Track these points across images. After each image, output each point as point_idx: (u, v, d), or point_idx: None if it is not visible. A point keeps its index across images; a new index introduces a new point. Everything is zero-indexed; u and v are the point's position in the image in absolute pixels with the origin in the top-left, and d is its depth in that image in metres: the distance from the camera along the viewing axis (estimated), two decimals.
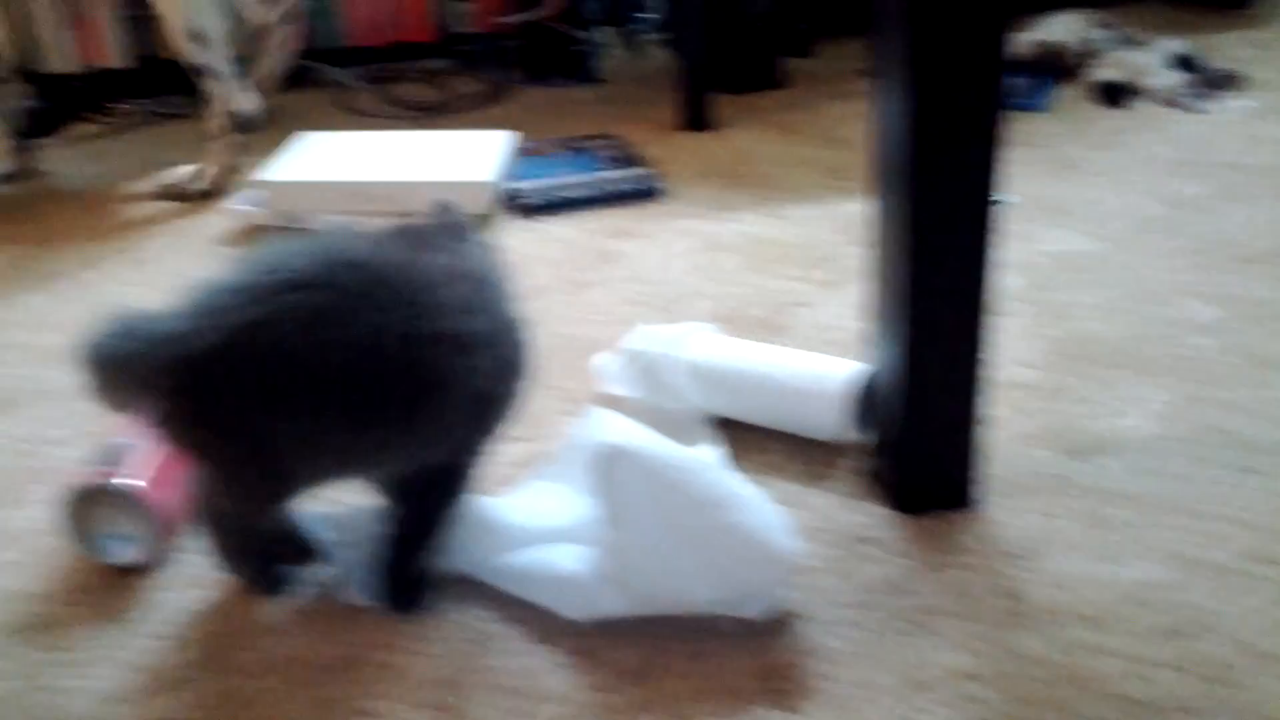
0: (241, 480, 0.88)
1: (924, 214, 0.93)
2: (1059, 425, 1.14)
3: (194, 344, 0.82)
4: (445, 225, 0.98)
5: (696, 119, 2.04)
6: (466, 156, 1.71)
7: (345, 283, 0.84)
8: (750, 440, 1.14)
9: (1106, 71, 2.10)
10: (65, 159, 2.04)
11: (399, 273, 0.87)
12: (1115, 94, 2.06)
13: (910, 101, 0.89)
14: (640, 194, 1.75)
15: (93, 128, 2.18)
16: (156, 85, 2.25)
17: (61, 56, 2.18)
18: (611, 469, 0.87)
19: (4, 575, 1.01)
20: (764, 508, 0.91)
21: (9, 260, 1.63)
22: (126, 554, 1.00)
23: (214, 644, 0.93)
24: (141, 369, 0.83)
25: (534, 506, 1.03)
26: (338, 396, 0.83)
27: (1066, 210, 1.63)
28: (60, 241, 1.69)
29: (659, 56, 2.45)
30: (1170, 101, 2.03)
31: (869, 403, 1.09)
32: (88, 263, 1.62)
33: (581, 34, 2.37)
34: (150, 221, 1.75)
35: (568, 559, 0.93)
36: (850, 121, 2.00)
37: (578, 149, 1.92)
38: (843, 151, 1.89)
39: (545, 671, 0.88)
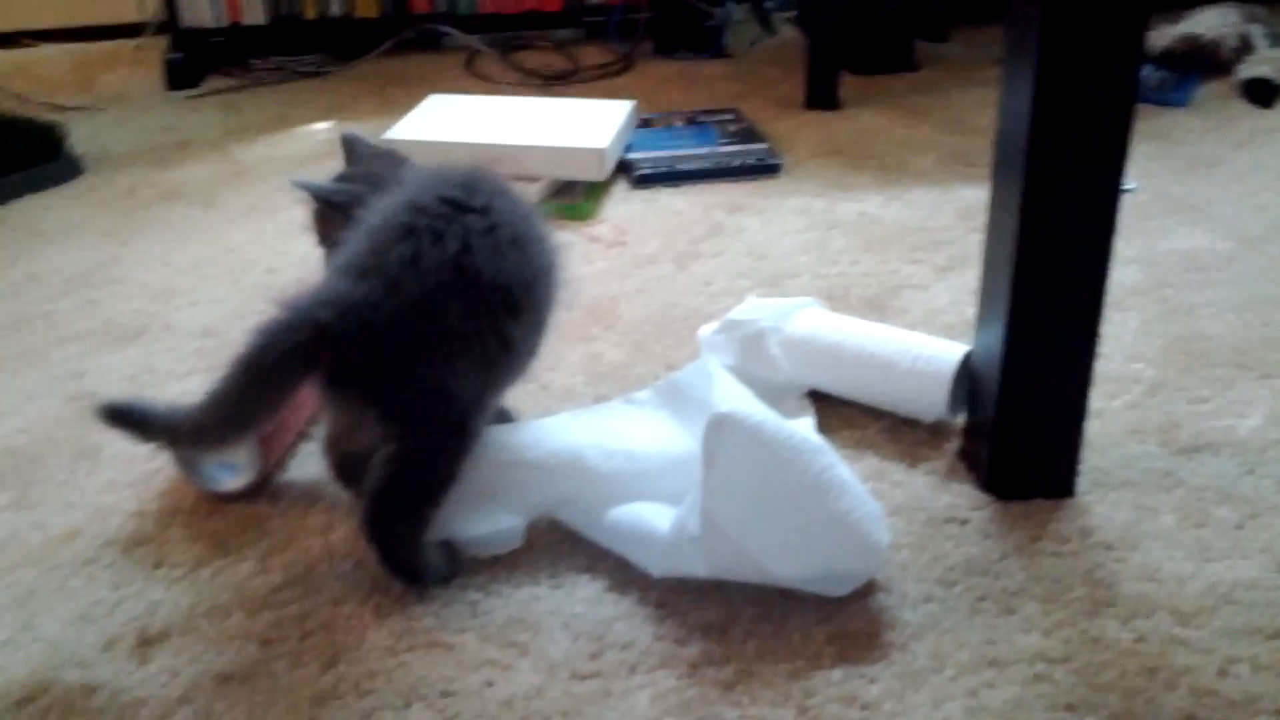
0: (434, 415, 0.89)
1: (1036, 200, 0.91)
2: (1167, 421, 1.11)
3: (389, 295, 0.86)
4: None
5: (823, 98, 2.02)
6: (586, 124, 1.73)
7: (504, 207, 0.92)
8: (848, 416, 1.13)
9: (1256, 68, 2.01)
10: (201, 110, 2.11)
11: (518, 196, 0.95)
12: (1263, 92, 1.97)
13: (1034, 87, 0.87)
14: (758, 169, 1.74)
15: (230, 81, 2.25)
16: (292, 44, 2.32)
17: (204, 12, 2.25)
18: (723, 436, 0.87)
19: (107, 493, 1.06)
20: (864, 497, 0.90)
21: (141, 204, 1.70)
22: (227, 481, 1.04)
23: (299, 569, 0.95)
24: (335, 333, 0.84)
25: (617, 429, 1.03)
26: (526, 309, 0.92)
27: (1197, 208, 1.57)
28: (189, 188, 1.75)
29: (790, 34, 2.44)
30: None
31: (968, 384, 1.07)
32: (212, 205, 1.68)
33: (713, 8, 2.37)
34: (275, 171, 1.81)
35: (656, 516, 0.94)
36: (981, 108, 1.96)
37: (699, 122, 1.92)
38: (971, 138, 1.85)
39: (618, 619, 0.89)
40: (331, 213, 1.04)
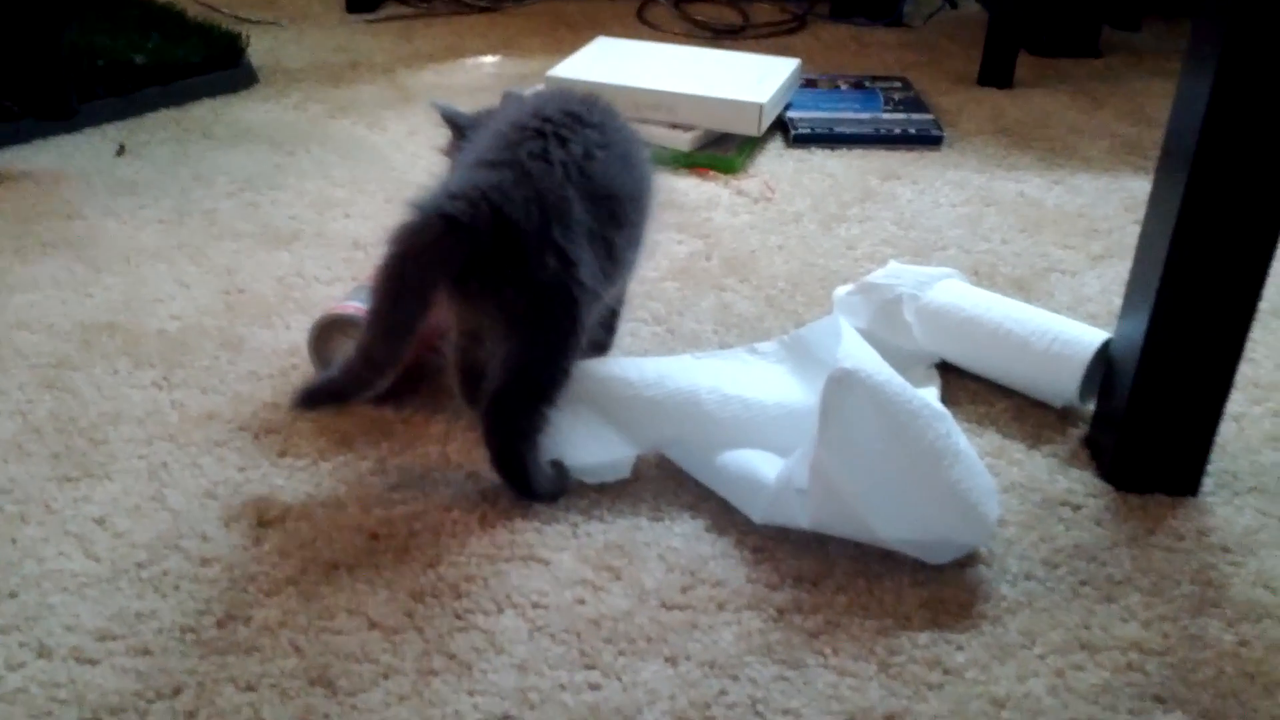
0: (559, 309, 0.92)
1: (1199, 192, 0.87)
2: None
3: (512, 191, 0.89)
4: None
5: (998, 75, 1.96)
6: (746, 78, 1.71)
7: (616, 127, 0.98)
8: (977, 391, 1.11)
9: None
10: (376, 35, 2.17)
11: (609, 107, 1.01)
12: None
13: (1213, 79, 0.83)
14: (920, 140, 1.71)
15: (406, 9, 2.31)
16: None
17: None
18: (843, 391, 0.86)
19: (245, 383, 1.11)
20: (980, 469, 0.89)
21: (309, 119, 1.75)
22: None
23: (414, 473, 0.99)
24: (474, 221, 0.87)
25: (736, 376, 1.03)
26: (628, 223, 0.97)
27: None
28: (355, 107, 1.80)
29: (972, 9, 2.37)
30: None
31: (1102, 373, 1.04)
32: (376, 126, 1.73)
33: None
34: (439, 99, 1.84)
35: (764, 464, 0.94)
36: (1163, 101, 1.87)
37: (865, 87, 1.89)
38: (1150, 129, 1.78)
39: (714, 557, 0.90)
40: (460, 141, 1.08)
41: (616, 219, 0.95)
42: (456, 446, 1.02)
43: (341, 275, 1.29)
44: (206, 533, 0.91)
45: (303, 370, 1.11)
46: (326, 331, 1.08)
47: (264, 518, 0.93)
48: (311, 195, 1.50)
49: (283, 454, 1.01)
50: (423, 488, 0.97)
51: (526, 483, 0.94)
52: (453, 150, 1.11)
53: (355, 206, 1.47)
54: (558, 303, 0.91)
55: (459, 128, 1.09)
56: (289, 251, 1.35)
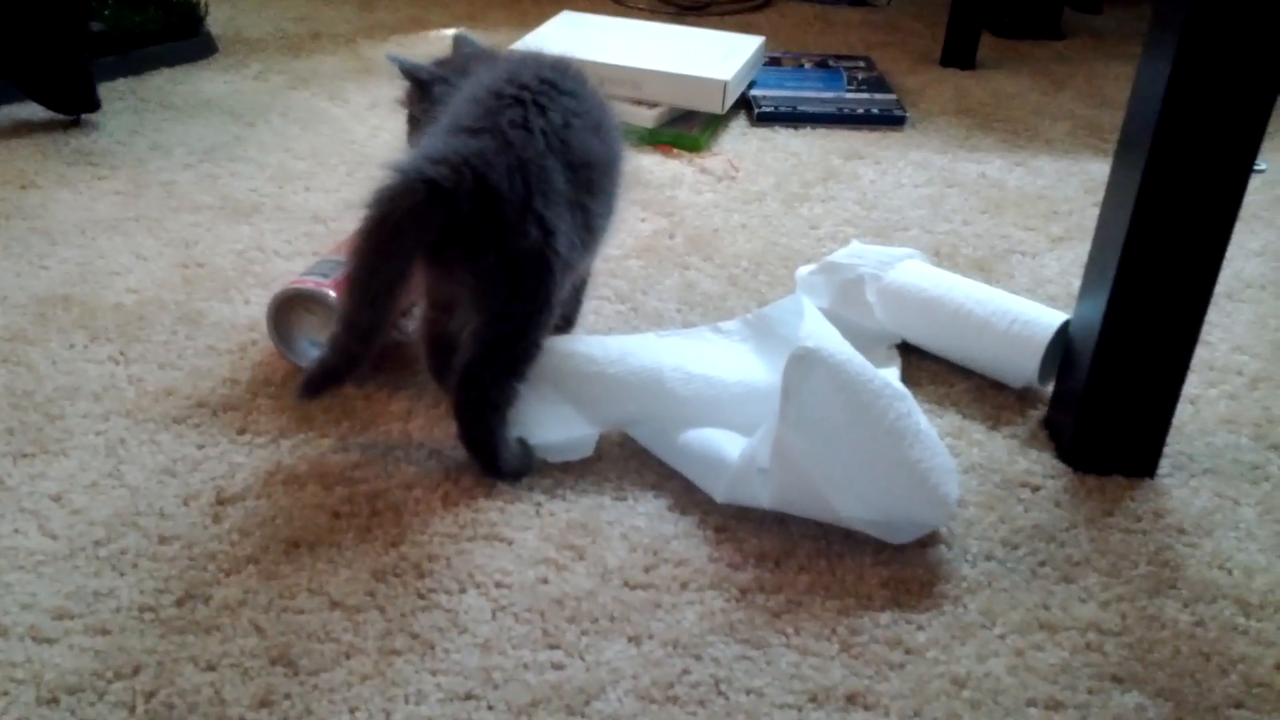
0: (533, 280, 0.91)
1: (1157, 173, 0.88)
2: (1264, 417, 1.07)
3: (494, 156, 0.88)
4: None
5: (961, 56, 1.97)
6: (710, 55, 1.71)
7: (589, 94, 0.98)
8: (936, 372, 1.12)
9: None
10: (336, 5, 2.14)
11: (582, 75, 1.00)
12: None
13: (1173, 57, 0.84)
14: (882, 120, 1.72)
15: None
16: None
17: None
18: (805, 371, 0.86)
19: (204, 358, 1.10)
20: (940, 449, 0.89)
21: (269, 90, 1.73)
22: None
23: (376, 451, 0.98)
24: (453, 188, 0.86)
25: (699, 354, 1.03)
26: (601, 191, 0.97)
27: None
28: (316, 79, 1.78)
29: None
30: None
31: (1060, 353, 1.05)
32: (337, 98, 1.71)
33: None
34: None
35: (726, 443, 0.94)
36: (1124, 84, 1.89)
37: (829, 66, 1.89)
38: (1109, 111, 1.80)
39: (677, 536, 0.90)
40: (418, 92, 1.08)
41: (592, 187, 0.95)
42: (419, 424, 1.01)
43: (302, 249, 1.28)
44: (165, 510, 0.91)
45: (261, 346, 1.10)
46: (286, 306, 1.07)
47: (223, 496, 0.92)
48: (272, 168, 1.48)
49: (242, 431, 1.00)
50: (385, 465, 0.96)
51: (494, 458, 0.94)
52: (411, 102, 1.10)
53: (316, 179, 1.45)
54: (534, 273, 0.90)
55: (419, 81, 1.08)
56: (249, 224, 1.34)
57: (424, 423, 1.01)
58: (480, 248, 0.88)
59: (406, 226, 0.86)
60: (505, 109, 0.91)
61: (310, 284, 1.05)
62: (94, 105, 1.55)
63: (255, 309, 1.16)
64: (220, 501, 0.92)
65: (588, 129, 0.95)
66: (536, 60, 0.99)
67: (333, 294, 1.03)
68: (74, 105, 1.54)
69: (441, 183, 0.85)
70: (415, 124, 1.10)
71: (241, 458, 0.97)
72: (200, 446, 0.98)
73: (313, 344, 1.07)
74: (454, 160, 0.86)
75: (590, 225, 0.96)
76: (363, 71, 1.82)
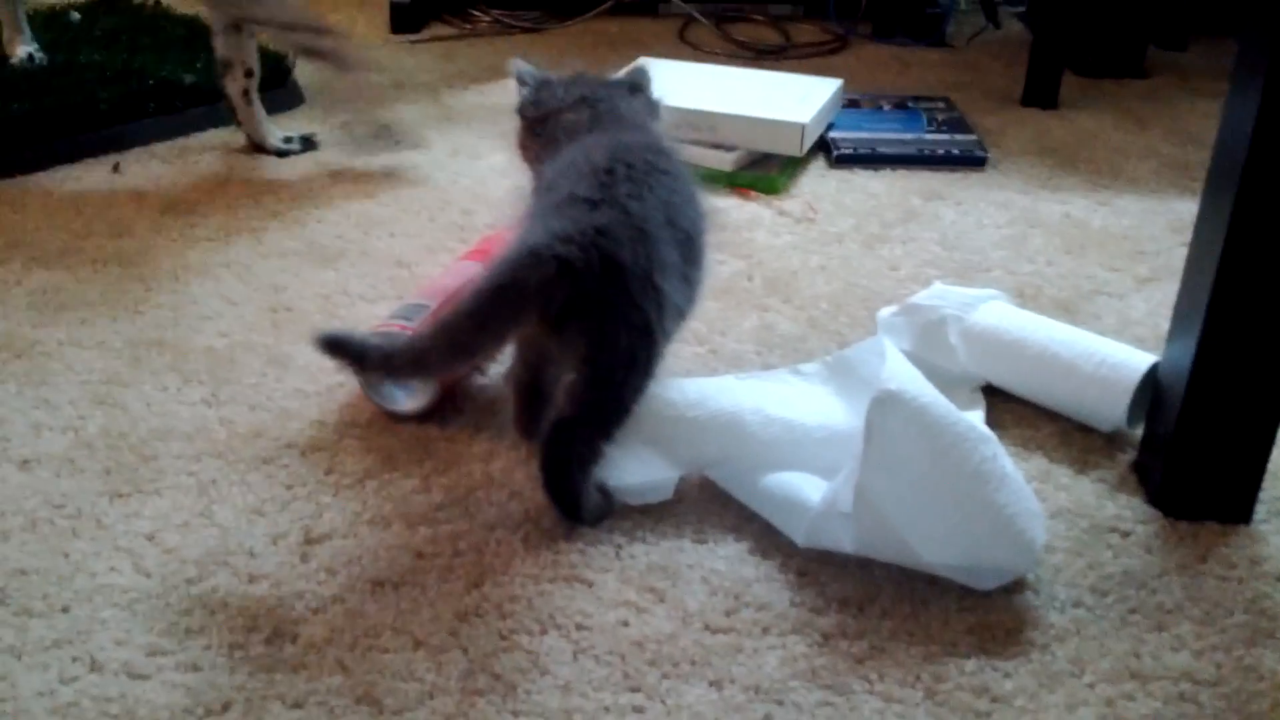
0: (635, 346, 0.92)
1: (1247, 213, 0.87)
2: None
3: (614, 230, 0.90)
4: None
5: (1042, 95, 1.95)
6: (788, 98, 1.72)
7: (670, 165, 0.98)
8: (1023, 415, 1.11)
9: None
10: (419, 55, 2.19)
11: (674, 154, 1.01)
12: None
13: (1260, 99, 0.83)
14: (963, 160, 1.71)
15: (450, 30, 2.32)
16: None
17: None
18: (887, 413, 0.86)
19: (292, 400, 1.12)
20: (1026, 493, 0.88)
21: (354, 138, 1.77)
22: (404, 402, 1.08)
23: (459, 492, 0.99)
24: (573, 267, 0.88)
25: (779, 397, 1.03)
26: (695, 261, 0.98)
27: None
28: (399, 128, 1.81)
29: (1015, 29, 2.37)
30: None
31: (1149, 397, 1.03)
32: (420, 145, 1.74)
33: None
34: (481, 118, 1.85)
35: (807, 486, 0.93)
36: (1210, 122, 1.86)
37: (908, 108, 1.89)
38: (1194, 150, 1.77)
39: (758, 580, 0.90)
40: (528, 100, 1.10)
41: (693, 258, 0.97)
42: (500, 466, 1.02)
43: (386, 293, 1.30)
44: (254, 549, 0.92)
45: (348, 388, 1.12)
46: None
47: (311, 536, 0.94)
48: (356, 214, 1.51)
49: (329, 472, 1.02)
50: (467, 507, 0.97)
51: (576, 508, 0.94)
52: (527, 111, 1.10)
53: (399, 225, 1.48)
54: (645, 343, 0.92)
55: (529, 85, 1.10)
56: (334, 269, 1.36)
57: (505, 465, 1.02)
58: (601, 319, 0.89)
59: (532, 299, 0.88)
60: (619, 181, 0.92)
61: (396, 327, 1.07)
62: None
63: None
64: (308, 541, 0.93)
65: (686, 201, 0.97)
66: (634, 139, 1.00)
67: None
68: None
69: (573, 262, 0.87)
70: (531, 153, 1.09)
71: (328, 498, 0.98)
72: (289, 487, 1.00)
73: (397, 386, 1.08)
74: (582, 240, 0.88)
75: (691, 295, 0.98)
76: (444, 119, 1.85)
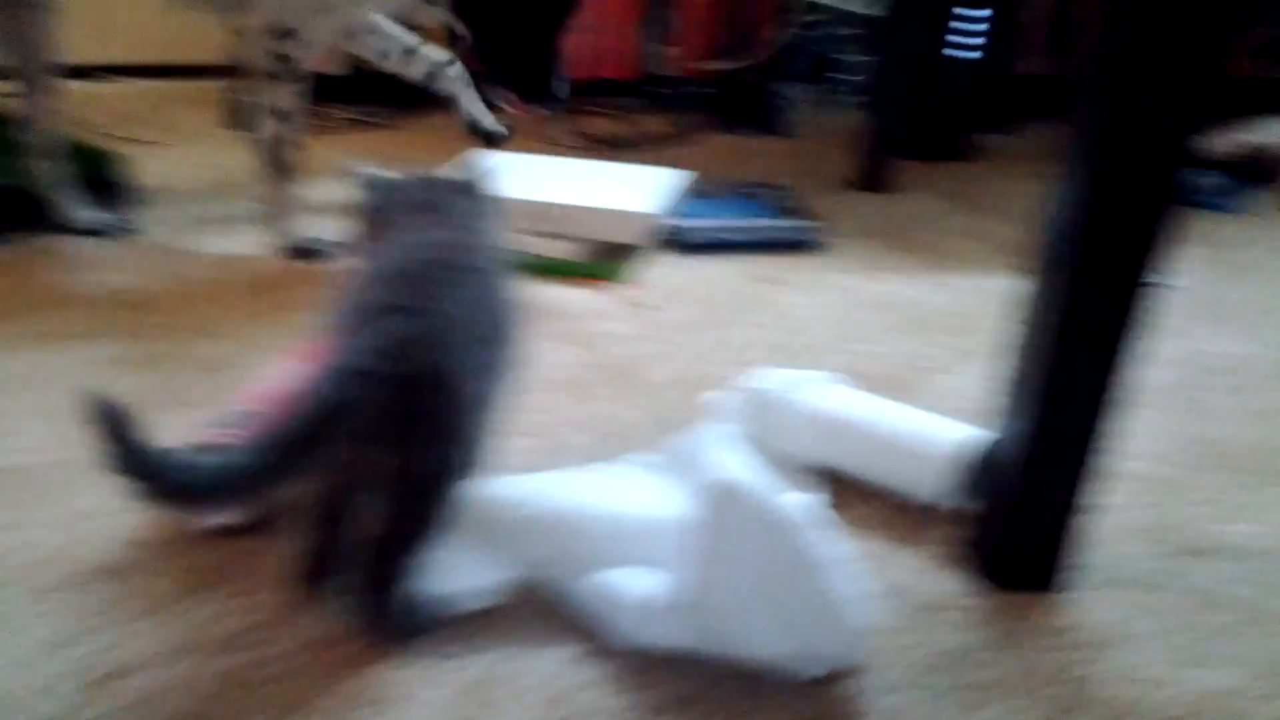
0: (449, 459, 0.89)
1: (1077, 296, 0.90)
2: (1173, 523, 1.08)
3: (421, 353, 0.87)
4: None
5: (874, 180, 2.02)
6: (634, 189, 1.74)
7: (483, 262, 0.97)
8: (853, 492, 1.11)
9: None
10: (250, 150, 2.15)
11: (488, 251, 1.00)
12: None
13: (1084, 185, 0.87)
14: (800, 244, 1.75)
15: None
16: (364, 94, 2.37)
17: None
18: (723, 506, 0.86)
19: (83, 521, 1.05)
20: (852, 578, 0.88)
21: (175, 236, 1.73)
22: (220, 515, 1.03)
23: (260, 614, 0.94)
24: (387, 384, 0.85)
25: (608, 490, 1.03)
26: (512, 340, 0.96)
27: (1230, 313, 1.55)
28: (224, 222, 1.78)
29: (851, 117, 2.44)
30: None
31: (974, 470, 1.05)
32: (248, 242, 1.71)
33: (778, 88, 2.38)
34: (316, 211, 1.83)
35: (635, 582, 0.92)
36: (1033, 201, 1.93)
37: (748, 194, 1.93)
38: (1017, 229, 1.84)
39: (587, 686, 0.87)
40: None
41: (504, 354, 0.95)
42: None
43: (212, 396, 1.25)
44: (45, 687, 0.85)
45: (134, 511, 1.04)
46: None
47: (101, 673, 0.87)
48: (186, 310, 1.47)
49: (120, 600, 0.95)
50: (271, 630, 0.92)
51: (395, 629, 0.91)
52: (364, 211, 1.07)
53: (223, 326, 1.44)
54: (460, 452, 0.89)
55: (366, 187, 1.07)
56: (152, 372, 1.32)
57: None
58: (410, 430, 0.86)
59: (336, 418, 0.84)
60: (424, 286, 0.90)
61: (210, 437, 1.04)
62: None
63: None
64: (101, 678, 0.86)
65: (497, 297, 0.96)
66: (436, 241, 0.98)
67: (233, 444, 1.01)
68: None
69: (379, 375, 0.85)
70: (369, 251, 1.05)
71: (120, 629, 0.91)
72: (79, 618, 0.92)
73: None
74: (388, 352, 0.86)
75: (503, 389, 0.95)
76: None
